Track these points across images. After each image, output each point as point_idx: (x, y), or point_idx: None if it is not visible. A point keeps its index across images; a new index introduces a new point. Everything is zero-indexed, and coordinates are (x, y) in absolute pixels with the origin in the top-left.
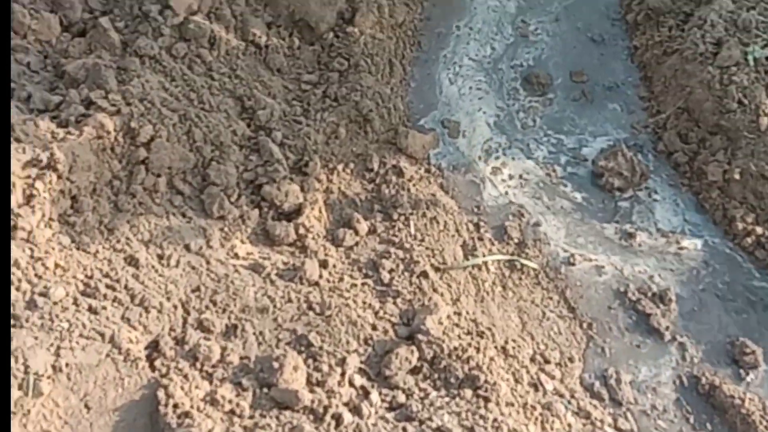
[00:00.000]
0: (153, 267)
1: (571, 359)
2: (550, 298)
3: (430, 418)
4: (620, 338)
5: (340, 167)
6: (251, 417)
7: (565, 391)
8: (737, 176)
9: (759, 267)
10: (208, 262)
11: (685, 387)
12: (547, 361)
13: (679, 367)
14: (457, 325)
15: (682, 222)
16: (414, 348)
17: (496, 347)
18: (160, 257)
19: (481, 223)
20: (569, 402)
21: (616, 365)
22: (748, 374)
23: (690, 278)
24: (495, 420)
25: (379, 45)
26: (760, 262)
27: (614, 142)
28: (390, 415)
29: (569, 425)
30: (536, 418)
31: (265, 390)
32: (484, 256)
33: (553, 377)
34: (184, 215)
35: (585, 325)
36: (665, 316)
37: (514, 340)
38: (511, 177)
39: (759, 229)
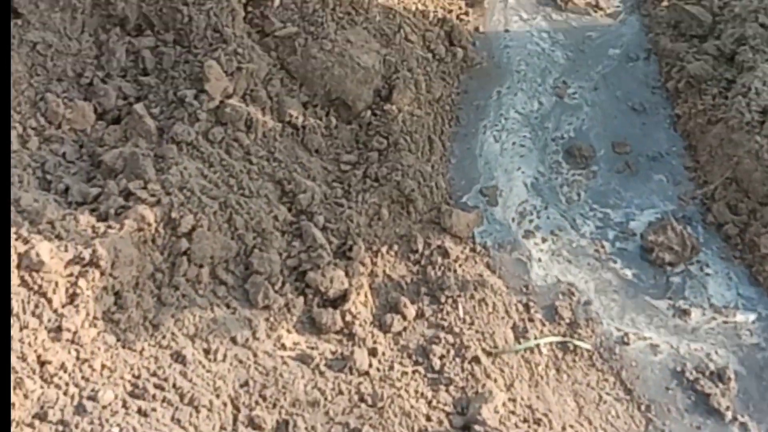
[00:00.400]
0: (200, 363)
1: None
2: (606, 380)
3: None
4: (680, 420)
5: (384, 250)
6: None
7: None
8: None
9: None
10: (255, 355)
11: None
12: None
13: None
14: (512, 412)
15: (735, 296)
16: None
17: None
18: (207, 352)
19: (531, 304)
20: None
21: None
22: None
23: (748, 354)
24: None
25: (417, 122)
26: None
27: (662, 214)
28: None
29: None
30: None
31: None
32: (535, 338)
33: None
34: (228, 306)
35: (643, 408)
36: (725, 396)
37: (571, 426)
38: (558, 254)
39: None
